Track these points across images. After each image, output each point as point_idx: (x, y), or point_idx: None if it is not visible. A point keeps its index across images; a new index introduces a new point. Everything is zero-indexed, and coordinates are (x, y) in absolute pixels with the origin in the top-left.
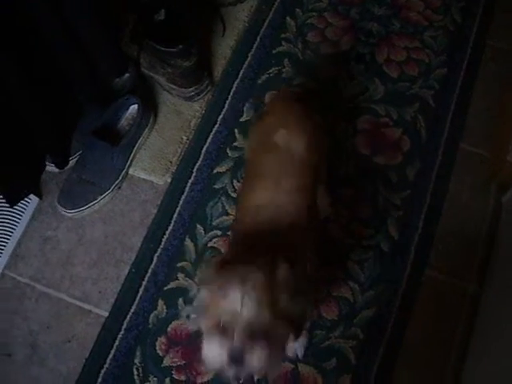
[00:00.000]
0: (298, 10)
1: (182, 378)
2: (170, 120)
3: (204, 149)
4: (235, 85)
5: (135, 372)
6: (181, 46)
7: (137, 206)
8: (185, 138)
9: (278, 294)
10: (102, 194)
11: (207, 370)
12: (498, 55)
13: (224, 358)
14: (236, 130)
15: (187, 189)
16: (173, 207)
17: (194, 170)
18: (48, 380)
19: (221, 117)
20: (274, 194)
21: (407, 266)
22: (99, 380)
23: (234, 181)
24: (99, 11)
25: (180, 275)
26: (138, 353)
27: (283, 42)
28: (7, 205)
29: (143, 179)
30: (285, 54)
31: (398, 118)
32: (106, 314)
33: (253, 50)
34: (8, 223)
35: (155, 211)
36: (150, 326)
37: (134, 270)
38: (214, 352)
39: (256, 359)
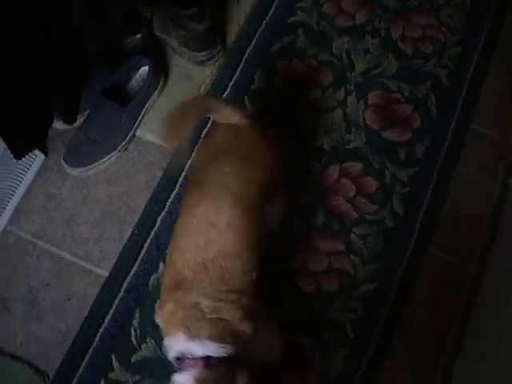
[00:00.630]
0: None
1: None
2: (180, 83)
3: None
4: (248, 52)
5: (133, 333)
6: (194, 9)
7: (143, 168)
8: None
9: None
10: (108, 154)
11: None
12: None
13: None
14: (246, 98)
15: (194, 153)
16: (179, 170)
17: (202, 134)
18: (46, 336)
19: (231, 83)
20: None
21: (410, 243)
22: (97, 339)
23: None
24: None
25: None
26: (136, 314)
27: (298, 12)
28: (13, 160)
29: (150, 141)
30: (299, 24)
31: (409, 94)
32: (107, 273)
33: (267, 17)
34: (13, 179)
35: (161, 174)
36: (150, 289)
37: (136, 232)
38: None
39: None
